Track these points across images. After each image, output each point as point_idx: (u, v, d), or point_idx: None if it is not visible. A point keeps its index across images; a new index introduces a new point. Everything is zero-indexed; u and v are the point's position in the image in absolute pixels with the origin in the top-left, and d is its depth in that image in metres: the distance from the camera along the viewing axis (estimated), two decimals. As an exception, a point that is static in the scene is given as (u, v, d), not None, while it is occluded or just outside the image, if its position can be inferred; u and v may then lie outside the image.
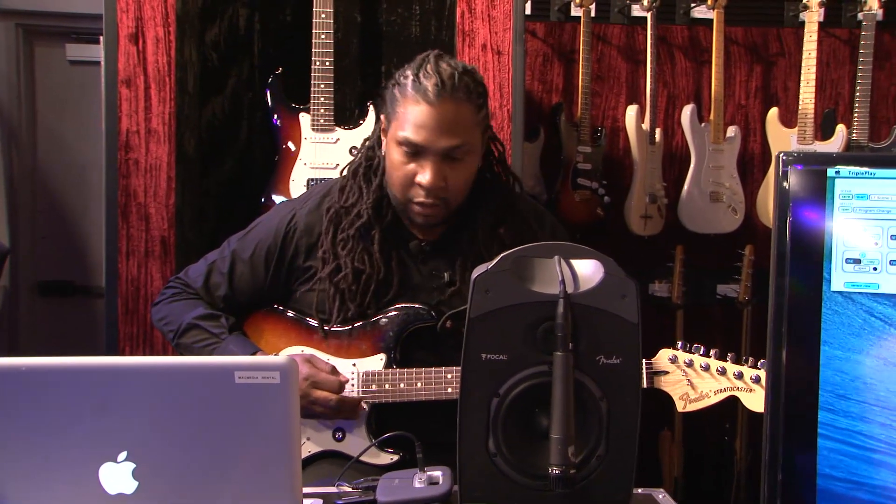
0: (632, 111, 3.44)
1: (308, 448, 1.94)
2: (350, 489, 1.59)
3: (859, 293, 1.20)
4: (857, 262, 1.21)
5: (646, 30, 3.48)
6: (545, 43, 3.67)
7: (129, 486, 1.18)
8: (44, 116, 5.17)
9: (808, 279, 1.21)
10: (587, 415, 1.35)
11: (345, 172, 2.05)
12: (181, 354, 2.03)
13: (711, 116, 3.49)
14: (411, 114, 1.84)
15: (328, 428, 1.93)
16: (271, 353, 1.95)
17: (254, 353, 1.94)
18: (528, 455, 1.36)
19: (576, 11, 3.53)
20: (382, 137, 1.97)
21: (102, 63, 2.40)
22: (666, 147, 3.63)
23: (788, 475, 1.22)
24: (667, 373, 1.83)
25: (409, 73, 1.88)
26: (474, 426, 1.36)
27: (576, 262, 1.37)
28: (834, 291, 1.21)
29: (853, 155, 1.20)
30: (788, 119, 3.51)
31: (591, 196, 3.49)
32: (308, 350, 1.97)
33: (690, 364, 1.81)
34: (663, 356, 1.84)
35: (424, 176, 1.86)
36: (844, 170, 1.22)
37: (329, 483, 1.63)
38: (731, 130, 3.53)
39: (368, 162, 2.02)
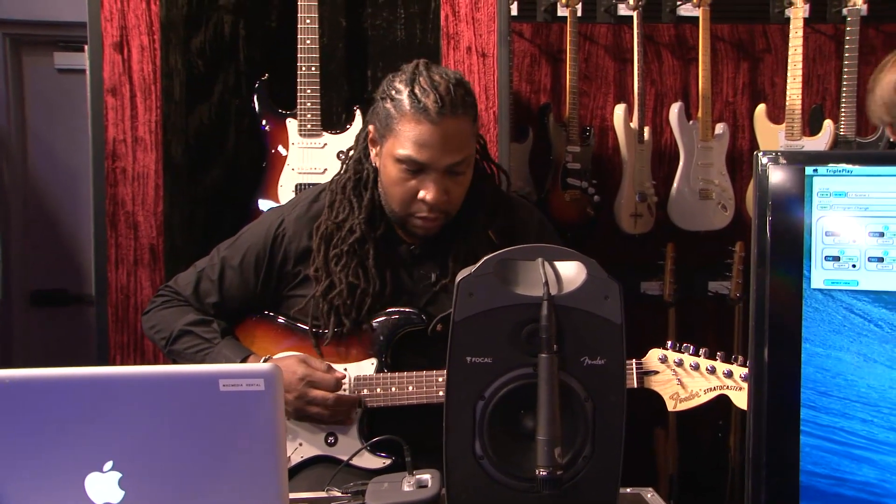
0: (619, 110, 3.45)
1: (301, 453, 1.94)
2: (339, 493, 1.60)
3: (839, 290, 1.21)
4: (837, 259, 1.21)
5: (632, 29, 3.49)
6: (532, 43, 3.68)
7: (115, 495, 1.18)
8: (33, 125, 5.17)
9: (788, 277, 1.22)
10: (573, 416, 1.36)
11: (332, 187, 2.03)
12: (173, 362, 2.03)
13: (699, 114, 3.50)
14: (412, 132, 1.82)
15: (321, 432, 1.94)
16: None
17: (246, 357, 1.95)
18: (514, 457, 1.37)
19: (562, 12, 3.53)
20: (371, 147, 1.96)
21: (88, 72, 2.40)
22: (655, 145, 3.64)
23: (772, 472, 1.23)
24: (657, 372, 1.83)
25: (400, 86, 1.85)
26: (460, 429, 1.37)
27: (558, 264, 1.37)
28: (814, 289, 1.22)
29: (831, 153, 1.20)
30: (776, 115, 3.52)
31: (580, 195, 3.49)
32: (300, 356, 1.97)
33: (680, 363, 1.82)
34: (653, 356, 1.85)
35: (428, 193, 1.85)
36: (822, 168, 1.23)
37: (321, 488, 1.64)
38: (720, 128, 3.54)
39: (357, 175, 1.99)
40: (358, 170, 2.00)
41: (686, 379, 1.81)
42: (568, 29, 3.47)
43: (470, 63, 2.45)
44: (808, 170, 1.23)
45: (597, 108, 3.69)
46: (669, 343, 1.84)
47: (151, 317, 2.07)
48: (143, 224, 2.42)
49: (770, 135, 3.45)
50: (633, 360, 1.84)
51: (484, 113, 2.44)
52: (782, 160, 1.25)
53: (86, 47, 2.41)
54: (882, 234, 1.20)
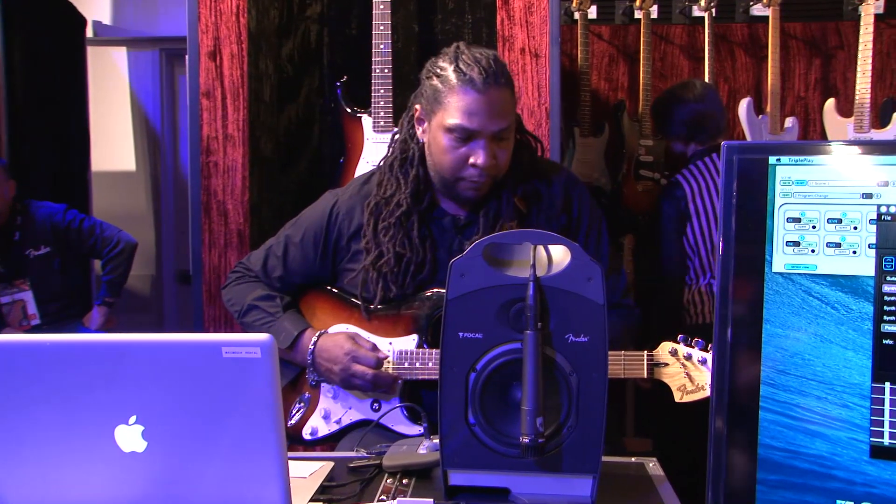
0: (689, 106, 3.36)
1: (350, 416, 1.99)
2: (365, 453, 1.64)
3: (798, 274, 1.17)
4: (797, 244, 1.18)
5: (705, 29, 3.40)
6: (610, 44, 3.63)
7: (139, 445, 1.25)
8: (183, 126, 5.47)
9: (751, 261, 1.19)
10: (558, 388, 1.36)
11: (381, 167, 2.07)
12: (245, 331, 2.11)
13: (768, 108, 3.38)
14: (461, 102, 1.84)
15: (368, 399, 1.99)
16: (320, 329, 2.01)
17: (304, 329, 2.00)
18: (503, 425, 1.37)
19: (639, 14, 3.48)
20: (417, 126, 1.98)
21: (187, 78, 2.52)
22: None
23: (732, 445, 1.20)
24: (667, 364, 1.79)
25: (444, 64, 1.88)
26: (454, 398, 1.38)
27: (544, 248, 1.37)
28: (775, 272, 1.18)
29: (792, 143, 1.17)
30: (847, 109, 3.36)
31: (653, 186, 3.43)
32: (352, 328, 2.02)
33: (689, 357, 1.77)
34: (664, 349, 1.80)
35: (478, 157, 1.87)
36: (785, 157, 1.19)
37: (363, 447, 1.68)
38: (789, 122, 3.41)
39: (403, 154, 2.02)
40: (404, 149, 2.03)
41: (694, 373, 1.76)
42: (642, 30, 3.41)
43: (524, 63, 2.44)
44: (772, 159, 1.19)
45: (672, 105, 3.60)
46: (681, 337, 1.79)
47: (227, 291, 2.16)
48: (231, 212, 2.52)
49: (839, 128, 3.30)
50: (646, 352, 1.80)
51: (537, 108, 2.43)
52: (747, 149, 1.21)
53: (186, 56, 2.53)
54: (840, 221, 1.16)
